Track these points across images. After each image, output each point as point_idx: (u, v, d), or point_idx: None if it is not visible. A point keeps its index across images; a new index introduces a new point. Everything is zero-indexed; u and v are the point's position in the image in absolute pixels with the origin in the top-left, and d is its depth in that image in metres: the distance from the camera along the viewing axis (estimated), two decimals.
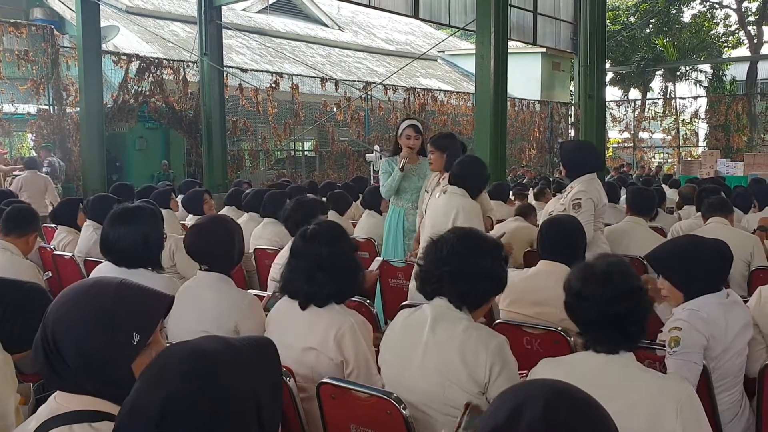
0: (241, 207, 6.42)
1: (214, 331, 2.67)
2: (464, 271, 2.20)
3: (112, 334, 1.43)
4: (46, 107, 12.55)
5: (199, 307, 2.81)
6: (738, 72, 26.53)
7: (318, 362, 2.45)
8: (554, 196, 8.26)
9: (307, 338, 2.46)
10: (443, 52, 25.96)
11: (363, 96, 17.27)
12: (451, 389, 2.12)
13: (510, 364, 2.15)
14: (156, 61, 13.98)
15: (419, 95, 18.93)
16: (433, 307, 2.27)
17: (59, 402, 1.46)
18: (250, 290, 3.42)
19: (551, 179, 12.18)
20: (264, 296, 3.27)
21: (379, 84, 17.58)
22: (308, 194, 6.25)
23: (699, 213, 5.24)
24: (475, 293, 2.23)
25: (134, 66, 13.57)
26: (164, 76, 14.02)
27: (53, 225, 5.77)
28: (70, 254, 4.83)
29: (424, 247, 2.36)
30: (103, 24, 12.34)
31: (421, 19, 17.70)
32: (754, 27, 26.86)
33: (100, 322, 1.43)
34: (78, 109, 12.15)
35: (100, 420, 1.41)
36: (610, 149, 24.95)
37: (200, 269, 2.94)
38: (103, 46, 12.85)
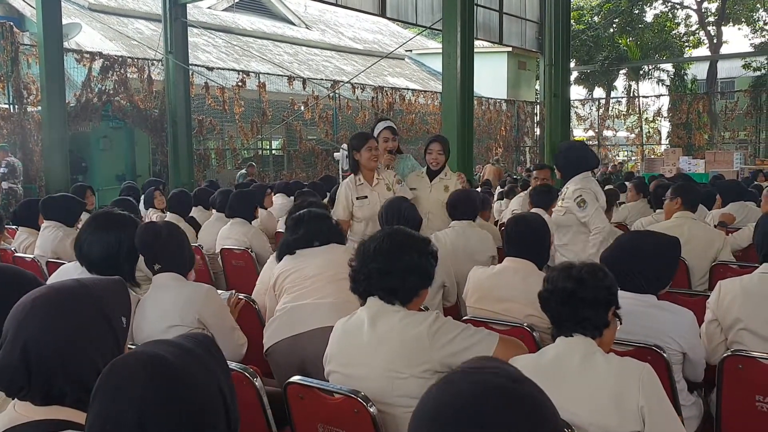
0: (208, 207, 6.39)
1: (180, 328, 2.76)
2: (391, 266, 2.24)
3: (109, 321, 1.42)
4: (6, 106, 12.27)
5: (161, 309, 2.83)
6: (699, 71, 27.12)
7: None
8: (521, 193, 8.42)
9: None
10: (411, 51, 26.02)
11: (331, 95, 17.23)
12: (398, 380, 2.15)
13: (451, 334, 2.19)
14: (120, 59, 13.77)
15: (387, 94, 18.95)
16: (368, 307, 2.30)
17: (19, 412, 1.39)
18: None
19: (517, 177, 12.31)
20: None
21: (347, 83, 17.57)
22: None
23: (660, 209, 5.32)
24: (404, 288, 2.26)
25: (98, 64, 13.33)
26: (128, 75, 13.80)
27: (14, 226, 5.66)
28: (32, 256, 4.74)
29: (356, 248, 2.40)
30: (64, 21, 12.09)
31: (389, 18, 17.72)
32: (714, 27, 27.51)
33: (92, 316, 1.40)
34: (39, 108, 11.90)
35: (65, 429, 1.36)
36: None
37: (154, 272, 2.95)
38: (65, 44, 12.60)
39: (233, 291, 3.45)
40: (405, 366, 2.14)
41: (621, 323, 2.15)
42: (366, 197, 4.66)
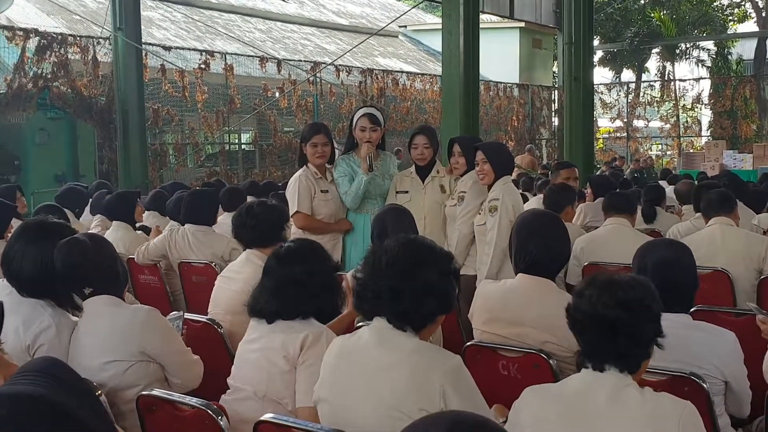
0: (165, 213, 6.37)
1: (119, 364, 2.78)
2: (406, 285, 2.22)
3: None
4: None
5: (96, 341, 2.82)
6: (745, 50, 27.23)
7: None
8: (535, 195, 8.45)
9: None
10: (405, 27, 26.08)
11: (311, 79, 17.22)
12: (401, 422, 2.11)
13: (469, 388, 2.20)
14: (59, 37, 13.72)
15: (377, 78, 18.97)
16: (373, 329, 2.30)
17: None
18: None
19: (533, 176, 12.34)
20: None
21: (330, 65, 17.56)
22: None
23: (699, 213, 5.34)
24: (419, 313, 2.25)
25: (33, 43, 13.27)
26: (70, 56, 13.74)
27: None
28: None
29: (363, 257, 2.40)
30: None
31: None
32: None
33: None
34: None
35: None
36: (600, 140, 25.37)
37: (85, 297, 2.91)
38: None
39: (182, 313, 3.45)
40: (412, 404, 2.14)
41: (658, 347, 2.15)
42: (327, 191, 4.88)
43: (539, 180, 9.74)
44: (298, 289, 2.77)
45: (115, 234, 5.53)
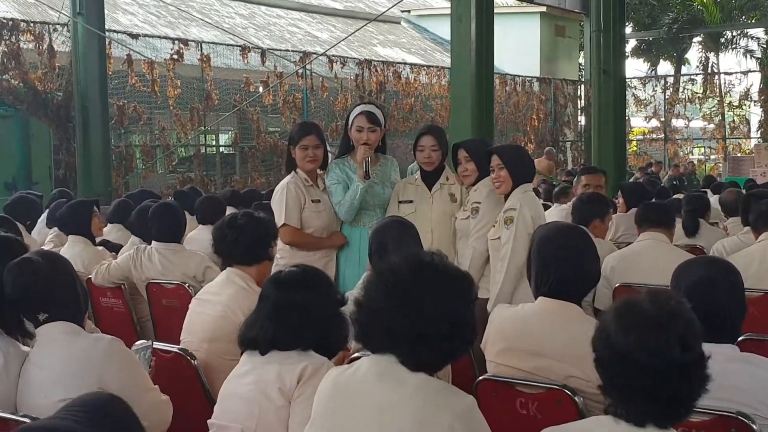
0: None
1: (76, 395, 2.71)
2: (422, 318, 2.18)
3: None
4: None
5: (50, 374, 2.83)
6: None
7: None
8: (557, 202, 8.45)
9: None
10: (408, 12, 26.18)
11: (300, 71, 17.25)
12: None
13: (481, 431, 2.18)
14: (10, 23, 13.75)
15: (376, 70, 18.99)
16: (373, 360, 2.27)
17: None
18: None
19: (555, 183, 12.34)
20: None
21: (322, 55, 17.59)
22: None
23: (748, 227, 5.34)
24: (440, 351, 2.22)
25: None
26: (22, 44, 13.77)
27: None
28: None
29: (365, 278, 2.38)
30: None
31: None
32: None
33: None
34: None
35: None
36: (634, 142, 25.40)
37: (39, 323, 2.90)
38: None
39: (150, 342, 3.44)
40: None
41: None
42: (319, 201, 4.90)
43: (557, 187, 9.71)
44: (300, 314, 2.79)
45: (72, 250, 5.51)
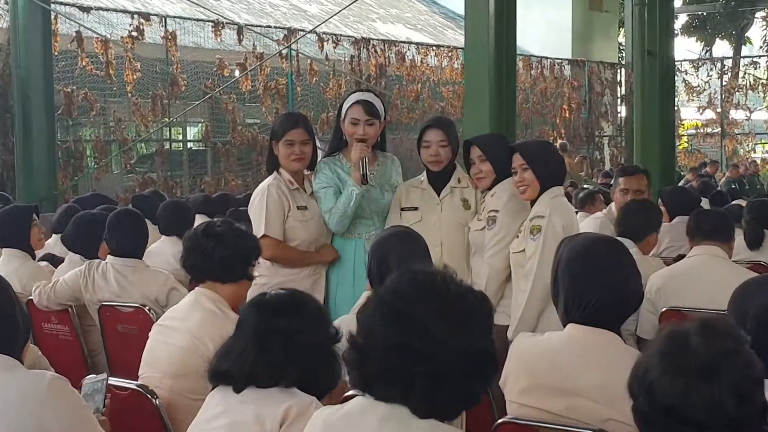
0: None
1: None
2: (433, 354, 2.13)
3: None
4: None
5: None
6: None
7: None
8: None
9: None
10: None
11: (284, 52, 17.27)
12: None
13: None
14: None
15: (375, 50, 19.07)
16: (369, 401, 2.23)
17: None
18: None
19: (588, 186, 12.31)
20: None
21: (310, 32, 17.65)
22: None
23: None
24: (454, 395, 2.17)
25: None
26: None
27: None
28: None
29: (361, 306, 2.34)
30: None
31: None
32: None
33: None
34: None
35: None
36: (684, 138, 25.43)
37: None
38: None
39: (104, 376, 3.43)
40: None
41: None
42: (306, 207, 4.90)
43: (582, 192, 9.61)
44: (284, 343, 2.80)
45: (8, 266, 5.51)
